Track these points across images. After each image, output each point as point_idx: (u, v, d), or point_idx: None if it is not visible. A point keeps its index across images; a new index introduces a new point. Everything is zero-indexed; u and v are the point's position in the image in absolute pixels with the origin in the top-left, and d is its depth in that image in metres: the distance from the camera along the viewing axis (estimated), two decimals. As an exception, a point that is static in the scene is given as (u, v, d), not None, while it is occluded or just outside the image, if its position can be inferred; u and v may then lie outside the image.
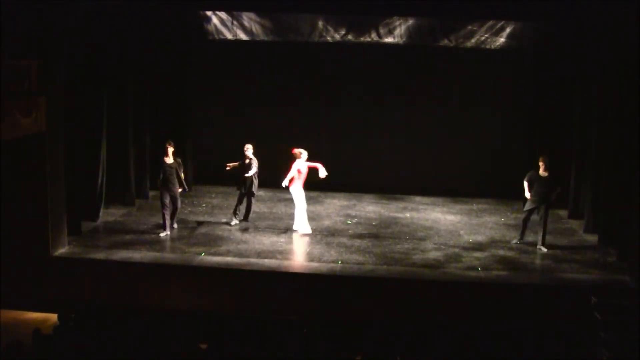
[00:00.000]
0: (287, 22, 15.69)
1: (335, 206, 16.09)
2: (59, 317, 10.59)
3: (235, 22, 15.73)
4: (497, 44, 15.40)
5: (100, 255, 12.10)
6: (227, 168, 14.12)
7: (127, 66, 14.89)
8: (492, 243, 13.27)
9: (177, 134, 16.56)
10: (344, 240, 13.40)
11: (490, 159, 16.53)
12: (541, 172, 12.72)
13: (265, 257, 12.13)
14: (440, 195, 17.09)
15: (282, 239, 13.28)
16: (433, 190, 17.19)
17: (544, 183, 12.70)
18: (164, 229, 13.19)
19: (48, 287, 11.80)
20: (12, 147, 11.39)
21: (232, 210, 14.28)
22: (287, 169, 13.54)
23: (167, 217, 13.19)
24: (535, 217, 13.10)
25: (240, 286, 11.60)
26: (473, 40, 15.49)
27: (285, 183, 13.55)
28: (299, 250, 12.59)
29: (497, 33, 15.18)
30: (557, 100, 15.86)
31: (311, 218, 14.82)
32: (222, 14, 15.59)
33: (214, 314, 11.16)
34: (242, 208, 14.27)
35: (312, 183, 15.95)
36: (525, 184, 12.93)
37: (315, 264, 11.92)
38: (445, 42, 15.65)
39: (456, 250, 12.88)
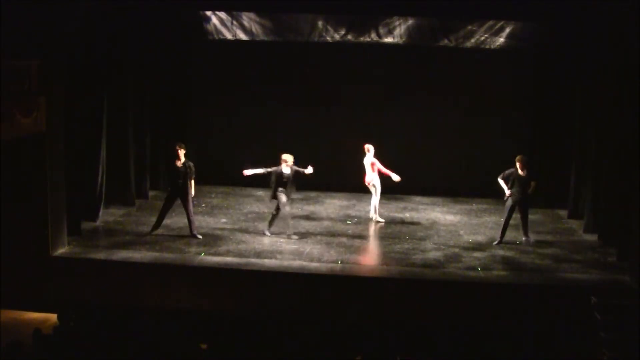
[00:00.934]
0: (287, 22, 15.68)
1: (335, 206, 16.09)
2: (59, 317, 10.59)
3: (235, 22, 15.73)
4: (497, 44, 15.40)
5: (100, 255, 12.10)
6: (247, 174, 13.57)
7: (127, 66, 14.90)
8: (491, 243, 13.26)
9: (177, 133, 16.60)
10: (344, 240, 13.40)
11: (490, 159, 16.51)
12: (520, 171, 12.78)
13: (265, 258, 12.13)
14: (440, 195, 17.10)
15: (281, 238, 13.27)
16: (433, 190, 17.20)
17: (523, 182, 12.78)
18: (154, 227, 13.20)
19: (48, 287, 11.80)
20: (12, 147, 11.39)
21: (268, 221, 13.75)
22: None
23: (163, 218, 13.20)
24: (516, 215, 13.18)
25: (240, 286, 11.60)
26: (473, 40, 15.49)
27: (396, 177, 14.25)
28: (299, 251, 12.57)
29: (497, 33, 15.18)
30: (556, 100, 15.88)
31: (311, 218, 14.87)
32: (222, 14, 15.59)
33: (214, 314, 11.16)
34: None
35: (312, 183, 16.00)
36: (502, 181, 12.96)
37: (315, 264, 11.92)
38: (445, 42, 15.64)
39: (456, 250, 12.88)
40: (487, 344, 9.86)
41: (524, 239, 13.11)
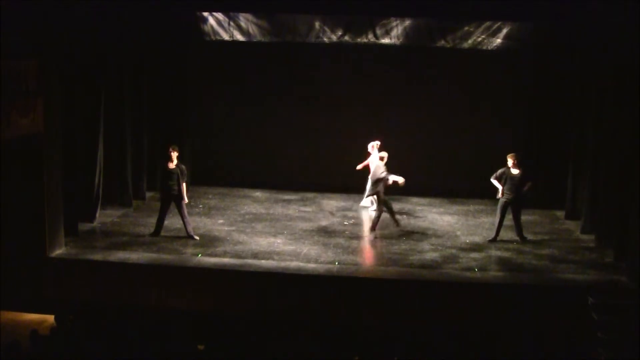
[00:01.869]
0: (284, 23, 15.66)
1: (332, 207, 16.08)
2: (56, 318, 10.58)
3: (232, 23, 15.70)
4: (494, 44, 15.40)
5: (97, 256, 12.09)
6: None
7: (124, 67, 14.88)
8: (488, 244, 13.28)
9: (174, 134, 16.59)
10: (341, 241, 13.40)
11: (487, 160, 16.51)
12: (512, 170, 12.81)
13: (262, 259, 12.13)
14: (437, 196, 17.10)
15: (278, 239, 13.27)
16: (430, 191, 17.20)
17: (516, 181, 12.82)
18: (156, 232, 13.19)
19: (45, 288, 11.79)
20: (9, 148, 11.38)
21: (393, 219, 14.00)
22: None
23: (163, 221, 13.19)
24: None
25: (237, 287, 11.59)
26: (470, 41, 15.49)
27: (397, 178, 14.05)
28: (296, 252, 12.57)
29: (494, 34, 15.18)
30: (554, 101, 15.90)
31: (308, 219, 14.86)
32: (219, 15, 15.57)
33: (210, 315, 11.16)
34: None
35: (309, 184, 16.05)
36: (495, 181, 13.03)
37: (312, 265, 11.92)
38: (442, 43, 15.63)
39: (453, 251, 12.89)
40: (484, 344, 9.87)
41: (520, 241, 13.15)
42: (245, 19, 15.61)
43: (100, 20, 13.34)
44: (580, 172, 14.66)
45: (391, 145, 16.31)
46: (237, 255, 12.25)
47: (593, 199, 13.76)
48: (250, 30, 15.74)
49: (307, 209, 15.88)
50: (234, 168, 17.85)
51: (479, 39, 15.36)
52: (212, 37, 15.91)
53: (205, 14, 15.53)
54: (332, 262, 12.05)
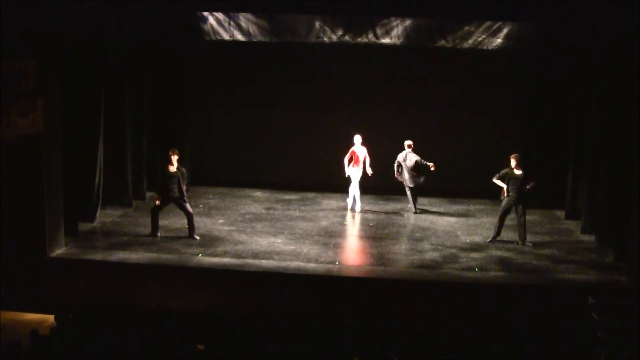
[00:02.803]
0: (284, 23, 15.67)
1: (333, 207, 16.08)
2: (56, 318, 10.58)
3: (232, 23, 15.71)
4: (495, 44, 15.40)
5: (98, 256, 12.09)
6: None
7: (124, 67, 14.88)
8: (489, 244, 13.27)
9: (174, 134, 16.61)
10: (341, 241, 13.40)
11: (487, 160, 16.52)
12: (514, 170, 12.82)
13: (262, 258, 12.13)
14: (437, 196, 17.10)
15: (279, 239, 13.27)
16: (430, 191, 17.17)
17: (519, 181, 12.82)
18: (154, 232, 13.18)
19: (45, 288, 11.79)
20: (9, 148, 11.38)
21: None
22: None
23: (157, 220, 13.21)
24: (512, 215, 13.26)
25: (237, 287, 11.59)
26: (470, 41, 15.48)
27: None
28: (296, 251, 12.57)
29: (495, 34, 15.18)
30: (554, 101, 15.89)
31: (308, 219, 14.87)
32: (219, 15, 15.58)
33: (211, 315, 11.16)
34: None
35: (309, 184, 16.03)
36: (498, 181, 13.04)
37: (312, 265, 11.92)
38: (443, 42, 15.63)
39: (453, 250, 12.89)
40: (484, 344, 9.87)
41: (521, 244, 13.14)
42: (245, 19, 15.61)
43: (100, 21, 13.34)
44: (580, 172, 14.65)
45: (391, 144, 16.35)
46: (237, 255, 12.26)
47: (593, 199, 13.76)
48: (251, 30, 15.74)
49: (307, 208, 15.88)
50: (234, 168, 17.86)
51: (479, 39, 15.36)
52: (213, 37, 15.91)
53: (206, 13, 15.54)
54: (333, 262, 12.05)
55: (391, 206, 16.26)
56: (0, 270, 11.49)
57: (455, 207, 16.34)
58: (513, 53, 15.77)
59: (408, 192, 15.70)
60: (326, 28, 15.69)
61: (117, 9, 13.61)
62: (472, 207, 16.34)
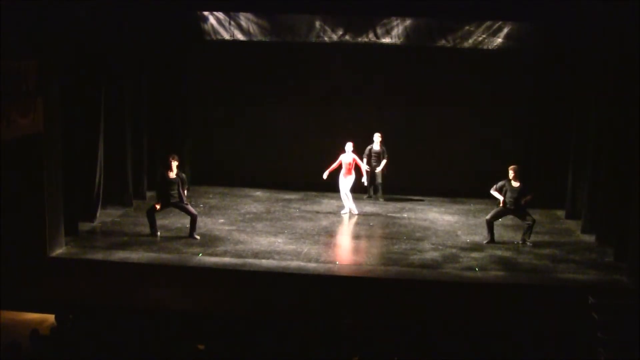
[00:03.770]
0: (285, 23, 15.67)
1: (333, 206, 16.07)
2: (56, 317, 10.59)
3: (232, 22, 15.71)
4: (495, 44, 15.41)
5: (98, 255, 12.08)
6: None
7: (124, 66, 14.88)
8: (489, 243, 13.27)
9: (175, 134, 16.61)
10: (341, 240, 13.38)
11: (487, 160, 16.54)
12: (513, 182, 12.83)
13: (262, 258, 12.13)
14: (437, 195, 17.11)
15: (279, 239, 13.28)
16: (430, 190, 17.20)
17: (516, 193, 12.82)
18: (153, 231, 13.18)
19: (45, 287, 11.77)
20: (9, 148, 11.37)
21: None
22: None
23: (154, 219, 13.19)
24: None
25: (238, 287, 11.59)
26: (471, 41, 15.48)
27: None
28: (296, 251, 12.57)
29: (495, 33, 15.18)
30: (554, 101, 15.90)
31: (309, 219, 14.86)
32: (219, 14, 15.58)
33: (211, 314, 11.16)
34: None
35: (309, 183, 16.01)
36: (495, 193, 13.04)
37: (312, 265, 11.91)
38: (443, 42, 15.63)
39: (454, 250, 12.89)
40: (484, 344, 9.87)
41: (523, 243, 13.15)
42: (245, 19, 15.62)
43: (100, 20, 13.34)
44: (581, 172, 14.65)
45: (392, 144, 16.37)
46: (237, 255, 12.25)
47: (593, 199, 13.76)
48: (251, 29, 15.74)
49: (308, 207, 15.88)
50: (234, 168, 17.86)
51: (480, 39, 15.36)
52: (213, 37, 15.91)
53: (206, 13, 15.54)
54: (333, 262, 12.05)
55: (391, 206, 16.26)
56: (0, 270, 11.48)
57: (455, 207, 16.34)
58: (513, 53, 15.77)
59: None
60: (326, 28, 15.69)
61: (117, 9, 13.61)
62: (472, 207, 16.34)
